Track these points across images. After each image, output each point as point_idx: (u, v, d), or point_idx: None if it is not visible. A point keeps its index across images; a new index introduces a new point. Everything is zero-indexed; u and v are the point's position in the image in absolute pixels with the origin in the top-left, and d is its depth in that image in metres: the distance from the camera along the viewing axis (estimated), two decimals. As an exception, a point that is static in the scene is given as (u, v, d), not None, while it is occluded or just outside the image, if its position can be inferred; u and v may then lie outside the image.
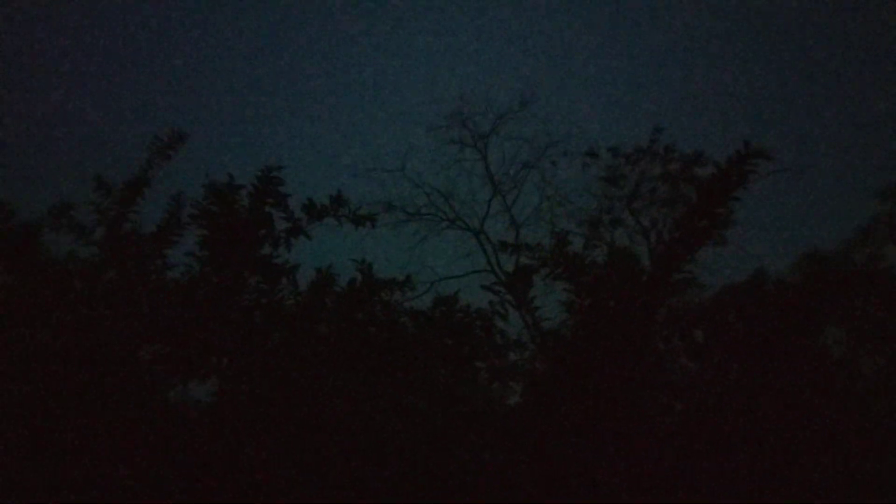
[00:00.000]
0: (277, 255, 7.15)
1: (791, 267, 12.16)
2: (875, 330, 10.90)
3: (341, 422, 6.79)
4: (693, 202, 6.29)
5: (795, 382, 8.80)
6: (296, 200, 7.65)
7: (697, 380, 9.79)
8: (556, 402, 6.76)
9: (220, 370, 7.54)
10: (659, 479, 7.29)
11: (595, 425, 6.71)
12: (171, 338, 7.57)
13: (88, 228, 8.36)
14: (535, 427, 6.97)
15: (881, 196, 15.76)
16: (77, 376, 7.55)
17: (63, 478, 7.06)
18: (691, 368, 10.32)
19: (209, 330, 7.38)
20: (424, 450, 6.60)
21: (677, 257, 6.41)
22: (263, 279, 7.09)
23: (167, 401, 8.34)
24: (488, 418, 7.25)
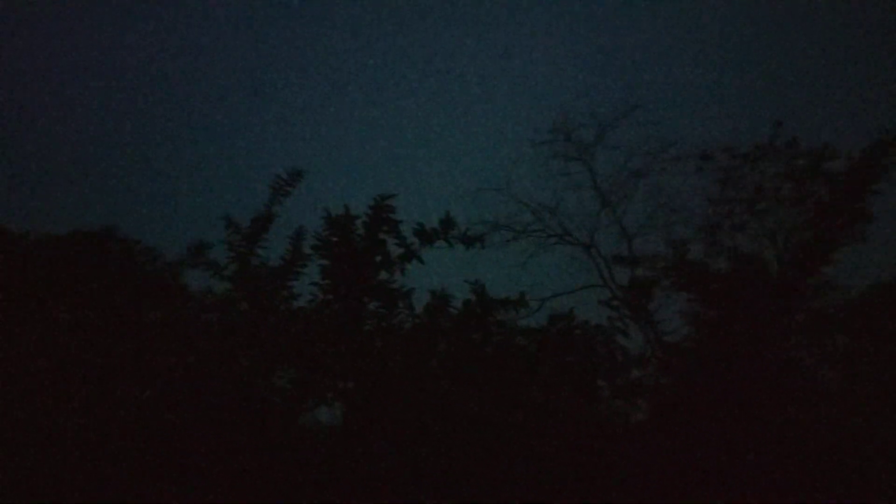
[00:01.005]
0: (394, 281, 7.37)
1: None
2: None
3: (464, 441, 6.84)
4: (825, 199, 5.86)
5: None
6: (405, 226, 7.87)
7: (845, 390, 9.00)
8: (685, 420, 6.44)
9: (346, 394, 7.82)
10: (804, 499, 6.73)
11: (730, 442, 6.32)
12: (301, 364, 7.97)
13: (222, 264, 9.02)
14: (664, 445, 6.68)
15: None
16: (219, 402, 8.10)
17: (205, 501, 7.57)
18: (834, 377, 9.50)
19: (334, 355, 7.71)
20: (549, 468, 6.50)
21: (812, 260, 5.97)
22: (382, 304, 7.32)
23: (299, 425, 8.78)
24: (613, 436, 7.04)
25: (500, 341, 7.34)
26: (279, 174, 9.38)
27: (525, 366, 7.17)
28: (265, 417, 8.23)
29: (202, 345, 8.88)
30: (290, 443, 8.25)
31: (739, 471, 6.23)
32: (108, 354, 8.33)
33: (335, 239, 7.15)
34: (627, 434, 7.72)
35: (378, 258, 7.44)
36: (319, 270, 7.39)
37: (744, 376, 6.16)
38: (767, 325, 6.11)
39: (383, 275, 7.39)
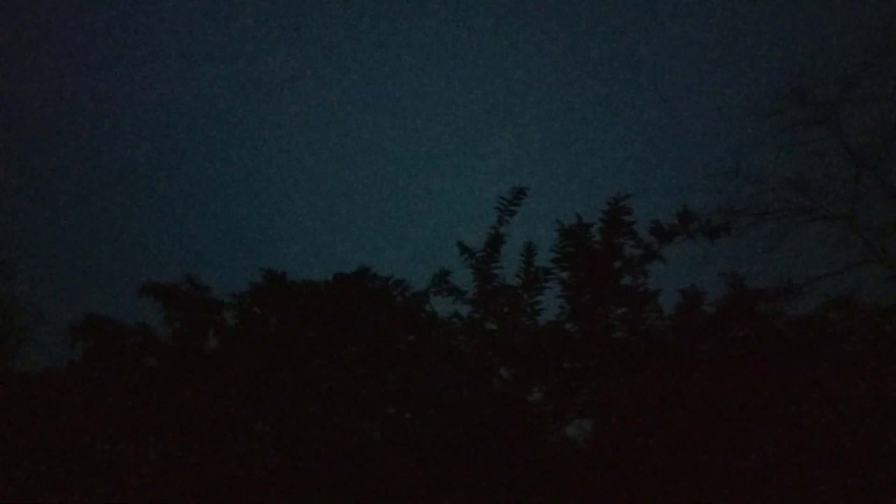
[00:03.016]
0: (640, 284, 7.11)
1: None
2: None
3: (743, 449, 6.31)
4: None
5: None
6: (638, 227, 7.50)
7: None
8: None
9: (596, 406, 7.67)
10: None
11: None
12: (553, 378, 8.00)
13: (463, 289, 9.46)
14: None
15: None
16: (475, 421, 8.44)
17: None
18: None
19: (583, 367, 7.62)
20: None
21: None
22: (629, 309, 7.10)
23: (549, 442, 8.79)
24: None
25: (767, 334, 6.70)
26: (503, 196, 9.64)
27: (801, 358, 6.45)
28: (523, 433, 8.39)
29: (451, 368, 9.34)
30: (546, 457, 8.29)
31: None
32: (380, 382, 9.14)
33: (572, 250, 7.10)
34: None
35: (617, 263, 7.25)
36: (560, 283, 7.39)
37: None
38: None
39: (626, 279, 7.18)
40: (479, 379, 8.86)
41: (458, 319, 9.45)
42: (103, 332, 8.62)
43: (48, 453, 10.08)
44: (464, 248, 9.48)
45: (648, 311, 7.30)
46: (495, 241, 8.86)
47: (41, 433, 10.40)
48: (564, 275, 7.29)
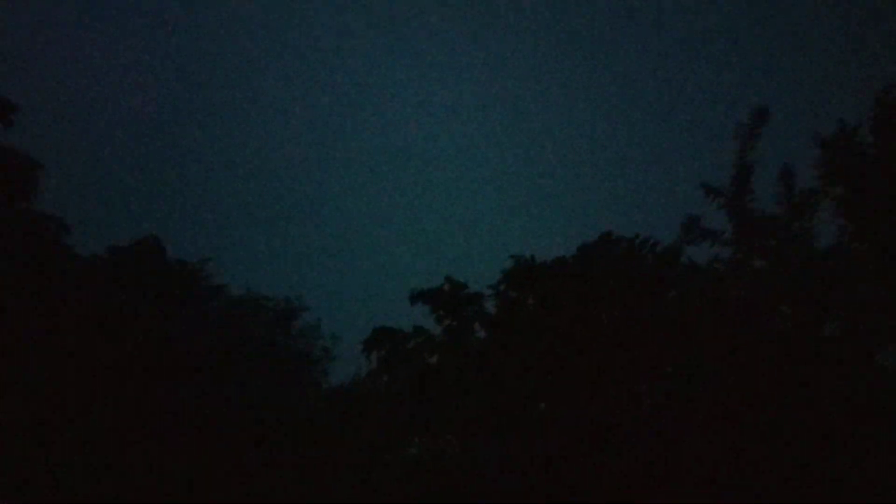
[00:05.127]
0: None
1: None
2: None
3: None
4: None
5: None
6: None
7: None
8: None
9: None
10: None
11: None
12: (845, 309, 7.10)
13: (718, 231, 8.85)
14: None
15: None
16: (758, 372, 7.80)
17: None
18: None
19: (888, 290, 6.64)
20: None
21: None
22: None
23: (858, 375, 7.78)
24: None
25: None
26: (740, 122, 8.84)
27: None
28: (822, 371, 7.59)
29: (718, 315, 8.76)
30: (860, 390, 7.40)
31: None
32: (640, 348, 8.90)
33: (842, 160, 6.25)
34: None
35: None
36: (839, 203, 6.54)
37: None
38: None
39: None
40: (754, 323, 8.20)
41: (719, 264, 8.86)
42: (390, 341, 9.63)
43: (360, 453, 11.49)
44: (710, 190, 8.94)
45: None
46: (745, 173, 8.19)
47: (355, 436, 11.93)
48: (837, 190, 6.45)
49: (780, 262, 7.47)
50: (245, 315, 12.92)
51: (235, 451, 10.62)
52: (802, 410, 6.97)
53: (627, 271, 9.42)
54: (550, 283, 9.41)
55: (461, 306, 9.71)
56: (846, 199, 5.91)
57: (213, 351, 11.00)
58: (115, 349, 9.61)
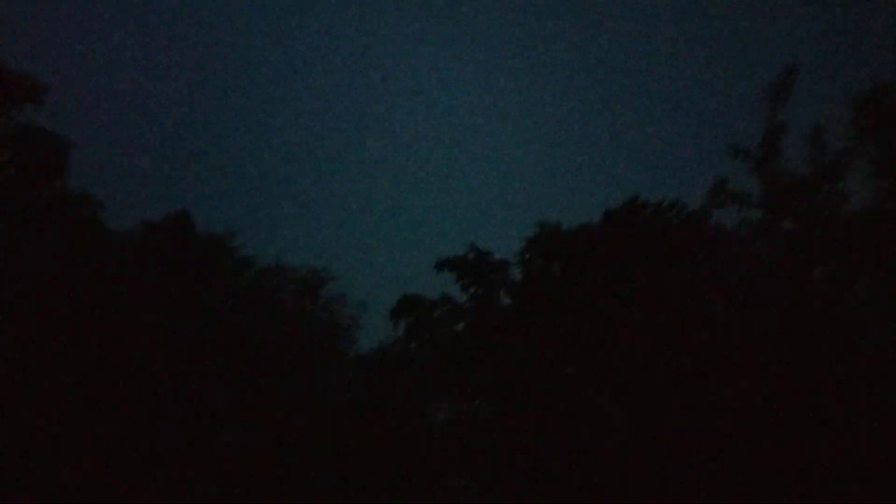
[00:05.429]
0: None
1: None
2: None
3: None
4: None
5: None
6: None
7: None
8: None
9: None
10: None
11: None
12: (878, 270, 7.00)
13: (746, 194, 8.71)
14: None
15: None
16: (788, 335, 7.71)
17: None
18: None
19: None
20: None
21: None
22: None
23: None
24: None
25: None
26: (769, 82, 8.64)
27: None
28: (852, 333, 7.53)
29: (743, 277, 8.68)
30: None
31: None
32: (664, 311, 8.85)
33: (874, 119, 6.10)
34: None
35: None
36: (872, 162, 6.41)
37: None
38: None
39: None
40: (785, 284, 8.11)
41: (747, 227, 8.76)
42: (417, 309, 9.73)
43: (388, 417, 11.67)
44: (737, 151, 8.78)
45: None
46: (776, 133, 8.02)
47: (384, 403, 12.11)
48: (870, 148, 6.32)
49: (811, 224, 7.37)
50: (274, 286, 13.11)
51: (267, 421, 10.86)
52: (839, 378, 6.93)
53: (654, 237, 9.34)
54: (576, 249, 9.38)
55: (487, 274, 9.75)
56: (879, 158, 5.79)
57: (244, 322, 11.21)
58: (154, 322, 9.86)
